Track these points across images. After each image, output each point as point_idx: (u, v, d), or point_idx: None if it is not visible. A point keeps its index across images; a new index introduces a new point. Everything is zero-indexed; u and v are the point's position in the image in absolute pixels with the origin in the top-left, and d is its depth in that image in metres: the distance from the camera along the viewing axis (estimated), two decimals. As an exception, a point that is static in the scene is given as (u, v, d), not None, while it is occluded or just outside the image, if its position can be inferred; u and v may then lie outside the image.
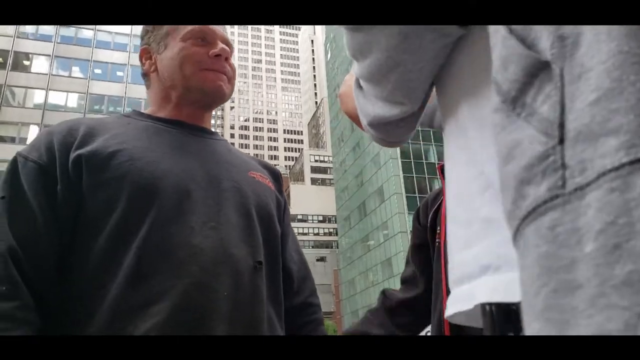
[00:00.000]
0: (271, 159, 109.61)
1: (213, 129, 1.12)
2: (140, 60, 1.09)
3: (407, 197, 35.60)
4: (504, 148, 0.31)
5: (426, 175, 36.36)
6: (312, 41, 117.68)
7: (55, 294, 0.81)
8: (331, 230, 77.91)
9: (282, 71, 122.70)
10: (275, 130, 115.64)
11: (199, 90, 1.02)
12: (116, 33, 28.90)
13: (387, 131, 0.55)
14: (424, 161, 36.94)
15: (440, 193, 1.28)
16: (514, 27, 0.31)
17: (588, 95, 0.25)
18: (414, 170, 36.49)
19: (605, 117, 0.24)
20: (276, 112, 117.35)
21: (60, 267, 0.83)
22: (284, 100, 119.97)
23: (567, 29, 0.28)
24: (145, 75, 1.08)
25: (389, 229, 36.78)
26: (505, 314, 0.37)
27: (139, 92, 27.89)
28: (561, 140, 0.26)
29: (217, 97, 1.04)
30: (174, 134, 1.00)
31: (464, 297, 0.42)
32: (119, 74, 28.45)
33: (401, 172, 36.30)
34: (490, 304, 0.39)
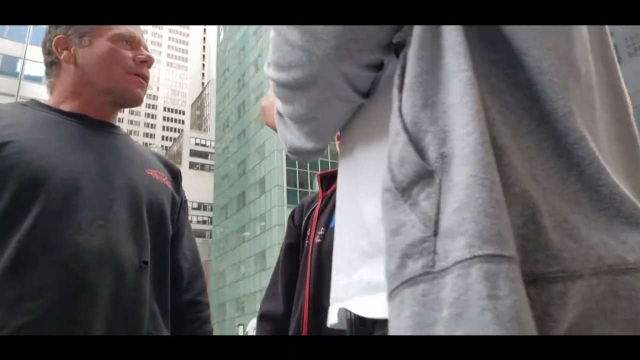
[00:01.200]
0: (147, 136, 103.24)
1: None
2: (54, 48, 1.04)
3: (288, 190, 35.57)
4: (392, 224, 0.41)
5: (308, 170, 36.64)
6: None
7: None
8: (205, 218, 75.64)
9: (169, 45, 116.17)
10: (154, 107, 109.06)
11: (120, 93, 1.04)
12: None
13: (303, 157, 0.64)
14: (308, 156, 37.18)
15: (316, 199, 1.39)
16: (411, 130, 0.42)
17: (453, 204, 0.36)
18: (297, 164, 36.52)
19: (460, 222, 0.35)
20: (158, 88, 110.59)
21: None
22: (167, 76, 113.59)
23: (446, 149, 0.39)
24: (54, 64, 1.05)
25: (266, 220, 36.45)
26: (364, 327, 0.52)
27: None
28: (435, 233, 0.37)
29: (135, 102, 1.07)
30: (74, 127, 0.99)
31: (336, 312, 0.57)
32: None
33: (284, 165, 36.17)
34: (351, 318, 0.54)
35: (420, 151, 0.41)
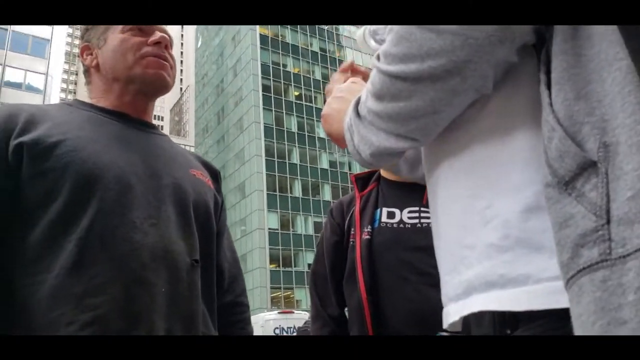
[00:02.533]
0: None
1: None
2: (82, 57, 1.08)
3: (268, 194, 36.05)
4: (559, 217, 0.42)
5: (288, 175, 37.22)
6: (182, 26, 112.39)
7: None
8: (186, 222, 75.05)
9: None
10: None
11: (140, 79, 1.02)
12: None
13: (385, 160, 0.62)
14: (287, 161, 37.78)
15: (354, 199, 1.43)
16: (566, 125, 0.42)
17: (626, 192, 0.37)
18: (277, 169, 37.10)
19: (638, 209, 0.36)
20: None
21: None
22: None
23: (608, 138, 0.39)
24: (86, 71, 1.08)
25: (246, 225, 36.87)
26: (505, 322, 0.51)
27: None
28: (608, 222, 0.38)
29: (160, 85, 1.04)
30: (117, 126, 0.99)
31: (468, 306, 0.54)
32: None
33: (264, 170, 36.65)
34: (493, 313, 0.52)
35: (580, 143, 0.41)
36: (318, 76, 41.54)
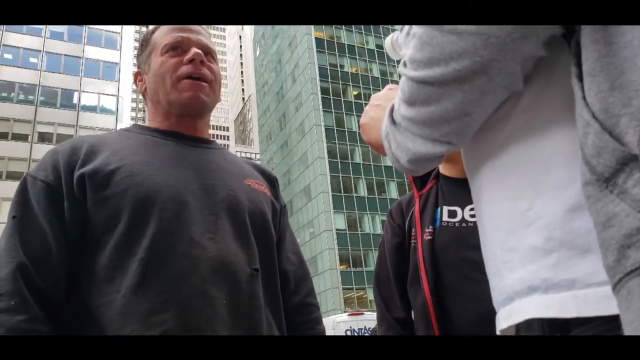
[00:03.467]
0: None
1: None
2: (136, 84, 1.13)
3: (333, 196, 36.24)
4: (601, 217, 0.39)
5: (352, 175, 37.22)
6: (240, 37, 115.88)
7: (67, 306, 0.86)
8: (256, 228, 76.89)
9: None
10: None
11: (178, 103, 1.04)
12: (29, 16, 27.02)
13: (423, 166, 0.62)
14: (350, 161, 37.78)
15: (413, 199, 1.40)
16: (601, 118, 0.40)
17: None
18: (340, 169, 37.21)
19: None
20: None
21: (71, 280, 0.88)
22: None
23: None
24: (143, 96, 1.13)
25: (314, 227, 37.26)
26: (556, 327, 0.48)
27: (55, 80, 26.14)
28: None
29: (196, 107, 1.05)
30: (170, 146, 1.03)
31: (516, 312, 0.52)
32: (32, 60, 26.60)
33: (328, 172, 36.88)
34: (542, 319, 0.49)
35: (617, 137, 0.38)
36: (376, 74, 41.27)
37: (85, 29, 28.18)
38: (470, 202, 1.24)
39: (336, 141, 38.02)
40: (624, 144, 0.38)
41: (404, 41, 0.81)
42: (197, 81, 1.03)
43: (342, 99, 39.62)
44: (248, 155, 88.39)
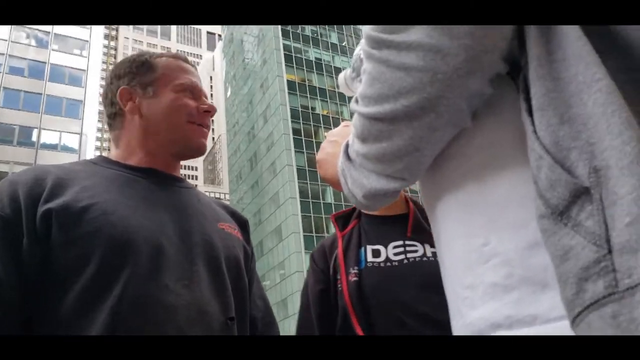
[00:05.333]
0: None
1: None
2: (119, 99, 1.03)
3: (304, 236, 35.64)
4: (557, 250, 0.39)
5: (323, 215, 36.81)
6: (210, 77, 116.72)
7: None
8: (225, 270, 75.23)
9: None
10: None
11: (183, 143, 1.03)
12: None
13: (379, 201, 0.61)
14: (322, 201, 37.46)
15: (336, 240, 1.33)
16: (553, 152, 0.40)
17: (624, 218, 0.34)
18: (312, 209, 36.78)
19: (639, 236, 0.33)
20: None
21: (24, 323, 0.79)
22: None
23: (597, 162, 0.37)
24: (118, 115, 1.04)
25: (285, 268, 36.34)
26: None
27: (13, 117, 25.30)
28: (609, 251, 0.35)
29: (198, 153, 1.05)
30: (143, 185, 0.97)
31: None
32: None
33: (300, 212, 36.42)
34: None
35: (569, 169, 0.39)
36: (347, 116, 41.65)
37: (48, 65, 27.38)
38: (393, 239, 1.23)
39: (308, 181, 37.80)
40: (575, 177, 0.38)
41: (353, 79, 0.83)
42: (206, 130, 1.06)
43: (314, 140, 39.71)
44: (217, 195, 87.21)
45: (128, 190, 0.93)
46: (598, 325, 0.35)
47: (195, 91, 1.05)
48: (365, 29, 0.51)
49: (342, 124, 0.80)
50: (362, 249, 1.25)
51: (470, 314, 0.51)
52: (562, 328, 0.41)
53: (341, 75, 0.90)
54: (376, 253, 1.22)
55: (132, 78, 1.04)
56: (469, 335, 0.51)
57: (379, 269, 1.19)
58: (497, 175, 0.50)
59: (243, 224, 1.15)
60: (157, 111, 1.01)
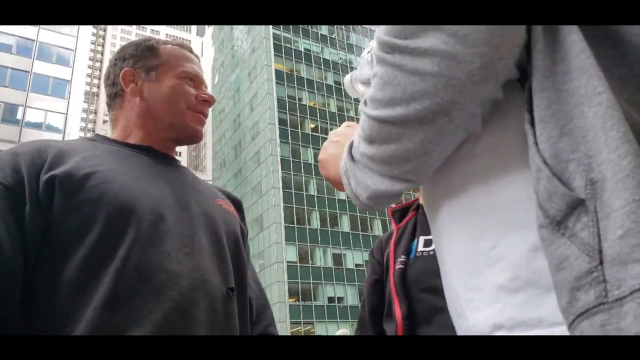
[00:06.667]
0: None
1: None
2: (121, 80, 1.06)
3: (285, 227, 35.87)
4: (554, 259, 0.41)
5: (305, 207, 37.08)
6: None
7: (21, 320, 0.78)
8: (205, 257, 74.98)
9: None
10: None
11: (182, 129, 1.06)
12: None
13: (382, 202, 0.61)
14: (304, 193, 37.71)
15: (392, 233, 1.40)
16: (551, 164, 0.41)
17: (616, 231, 0.35)
18: (294, 201, 37.03)
19: (630, 249, 0.35)
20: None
21: (27, 292, 0.79)
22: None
23: (594, 174, 0.38)
24: (119, 96, 1.07)
25: (265, 258, 36.57)
26: None
27: (-2, 93, 25.06)
28: (601, 262, 0.36)
29: (194, 139, 1.08)
30: (143, 160, 1.00)
31: None
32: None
33: (282, 202, 36.58)
34: None
35: (566, 182, 0.40)
36: (333, 109, 41.89)
37: (37, 43, 27.13)
38: None
39: (291, 172, 37.99)
40: (572, 189, 0.40)
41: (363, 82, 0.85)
42: (203, 118, 1.09)
43: (300, 131, 39.86)
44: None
45: (129, 163, 0.96)
46: (589, 333, 0.37)
47: (196, 80, 1.08)
48: (378, 34, 0.51)
49: (345, 124, 0.82)
50: (415, 240, 1.30)
51: (475, 315, 0.52)
52: (566, 332, 0.42)
53: (347, 77, 0.91)
54: (428, 243, 1.26)
55: (137, 61, 1.07)
56: (472, 335, 0.52)
57: (425, 258, 1.23)
58: (503, 177, 0.51)
59: (238, 205, 1.17)
60: (157, 95, 1.03)
